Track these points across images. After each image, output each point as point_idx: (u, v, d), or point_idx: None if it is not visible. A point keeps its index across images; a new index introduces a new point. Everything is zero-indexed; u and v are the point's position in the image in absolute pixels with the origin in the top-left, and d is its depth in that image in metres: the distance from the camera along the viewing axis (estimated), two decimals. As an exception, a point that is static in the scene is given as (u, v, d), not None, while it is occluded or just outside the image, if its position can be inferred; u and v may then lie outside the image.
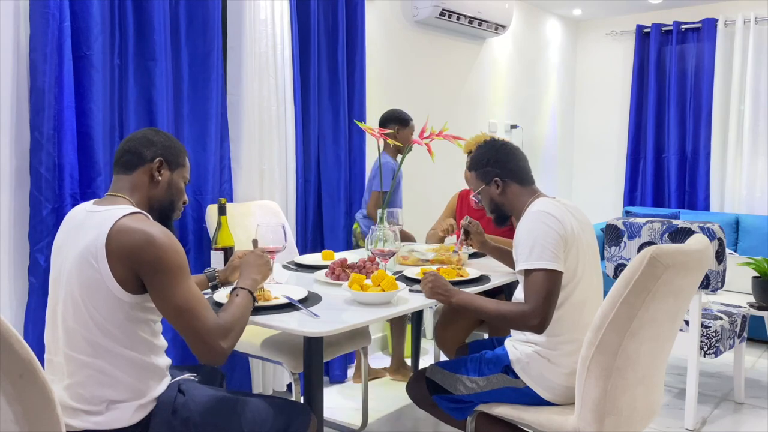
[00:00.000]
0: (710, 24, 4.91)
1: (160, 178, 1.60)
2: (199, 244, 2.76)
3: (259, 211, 2.88)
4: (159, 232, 1.43)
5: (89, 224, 1.46)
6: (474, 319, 2.78)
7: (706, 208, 4.99)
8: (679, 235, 2.81)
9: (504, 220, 2.06)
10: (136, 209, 1.50)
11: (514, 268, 2.33)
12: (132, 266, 1.41)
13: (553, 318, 1.76)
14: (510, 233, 2.70)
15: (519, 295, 1.91)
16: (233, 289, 1.65)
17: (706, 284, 2.79)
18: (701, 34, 4.98)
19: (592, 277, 1.88)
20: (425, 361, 3.05)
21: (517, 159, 2.00)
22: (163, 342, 1.57)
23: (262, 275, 1.74)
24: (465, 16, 4.04)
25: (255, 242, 1.94)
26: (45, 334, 1.54)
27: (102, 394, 1.43)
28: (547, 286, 1.72)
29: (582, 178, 5.85)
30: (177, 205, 1.67)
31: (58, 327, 1.48)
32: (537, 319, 1.72)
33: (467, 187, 3.09)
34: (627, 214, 4.92)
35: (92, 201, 1.58)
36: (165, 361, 1.56)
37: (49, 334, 1.53)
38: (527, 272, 1.77)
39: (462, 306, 1.86)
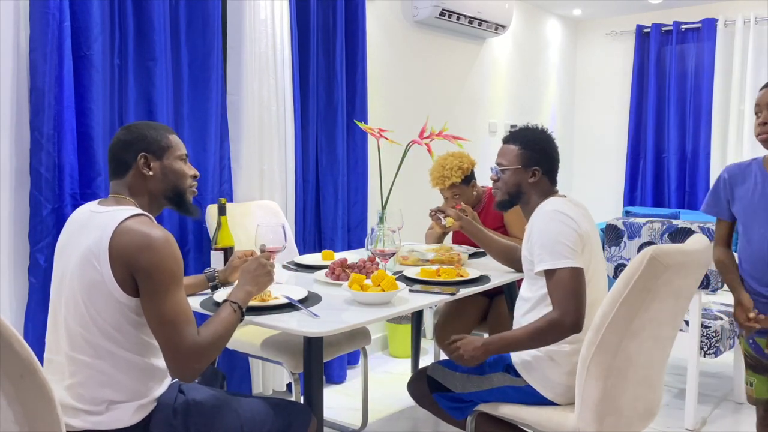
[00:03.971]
0: (710, 24, 4.91)
1: (150, 172, 1.56)
2: (199, 244, 2.76)
3: (259, 211, 2.88)
4: (160, 237, 1.41)
5: (93, 225, 1.45)
6: (474, 319, 2.78)
7: (706, 208, 4.98)
8: (679, 235, 2.82)
9: (510, 206, 2.03)
10: (140, 211, 1.49)
11: (490, 254, 2.34)
12: (129, 268, 1.40)
13: None
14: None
15: (524, 293, 1.92)
16: (224, 300, 1.57)
17: (706, 284, 2.79)
18: (701, 34, 4.98)
19: (600, 278, 1.89)
20: (425, 361, 3.04)
21: (558, 159, 2.06)
22: (163, 343, 1.56)
23: (258, 286, 1.65)
24: (465, 16, 4.03)
25: (262, 248, 1.82)
26: (47, 334, 1.53)
27: (102, 394, 1.43)
28: (574, 284, 1.72)
29: (582, 178, 5.84)
30: (183, 185, 1.62)
31: (60, 328, 1.47)
32: (570, 318, 1.70)
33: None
34: (627, 214, 4.92)
35: (96, 201, 1.56)
36: (165, 362, 1.56)
37: (50, 335, 1.52)
38: (550, 273, 1.75)
39: (498, 351, 1.81)
